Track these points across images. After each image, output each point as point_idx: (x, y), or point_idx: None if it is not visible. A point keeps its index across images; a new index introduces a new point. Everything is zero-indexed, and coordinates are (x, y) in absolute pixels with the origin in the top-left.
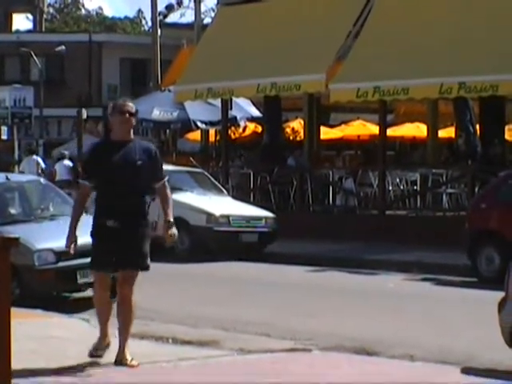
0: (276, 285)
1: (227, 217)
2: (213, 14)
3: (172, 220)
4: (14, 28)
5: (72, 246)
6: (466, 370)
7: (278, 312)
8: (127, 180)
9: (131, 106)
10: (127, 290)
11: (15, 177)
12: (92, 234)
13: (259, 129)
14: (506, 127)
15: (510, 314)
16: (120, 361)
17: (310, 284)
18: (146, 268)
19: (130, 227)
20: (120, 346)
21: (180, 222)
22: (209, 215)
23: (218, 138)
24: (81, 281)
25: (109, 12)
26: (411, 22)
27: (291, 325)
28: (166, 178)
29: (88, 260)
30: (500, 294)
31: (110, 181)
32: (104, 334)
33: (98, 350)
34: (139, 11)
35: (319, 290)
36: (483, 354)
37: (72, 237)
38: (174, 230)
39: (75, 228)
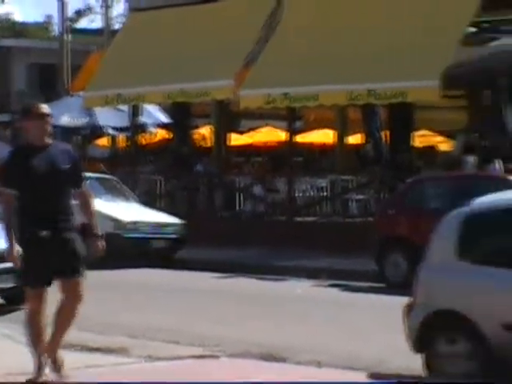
0: (185, 291)
1: (136, 223)
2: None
3: (99, 233)
4: None
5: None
6: (374, 375)
7: (186, 318)
8: (52, 185)
9: (46, 107)
10: (73, 298)
11: None
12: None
13: (169, 135)
14: (414, 134)
15: (416, 319)
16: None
17: (218, 290)
18: (82, 272)
19: (62, 233)
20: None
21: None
22: (117, 222)
23: (127, 144)
24: None
25: (19, 17)
26: (321, 29)
27: (200, 331)
28: (85, 183)
29: None
30: (407, 300)
31: (34, 187)
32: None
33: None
34: (49, 16)
35: (228, 296)
36: (391, 360)
37: (13, 247)
38: (103, 243)
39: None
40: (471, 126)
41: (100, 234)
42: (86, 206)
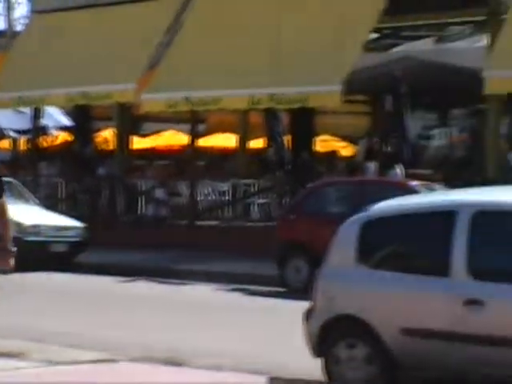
0: (86, 295)
1: (36, 227)
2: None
3: (12, 249)
4: None
5: None
6: (273, 380)
7: (86, 323)
8: None
9: None
10: None
11: None
12: None
13: (70, 138)
14: (316, 139)
15: (315, 324)
16: None
17: (119, 294)
18: None
19: None
20: None
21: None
22: (18, 225)
23: (28, 146)
24: None
25: None
26: (223, 34)
27: (100, 335)
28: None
29: None
30: (307, 304)
31: None
32: None
33: None
34: None
35: (129, 300)
36: (292, 364)
37: None
38: (13, 261)
39: None
40: (373, 131)
41: (13, 250)
42: (2, 217)
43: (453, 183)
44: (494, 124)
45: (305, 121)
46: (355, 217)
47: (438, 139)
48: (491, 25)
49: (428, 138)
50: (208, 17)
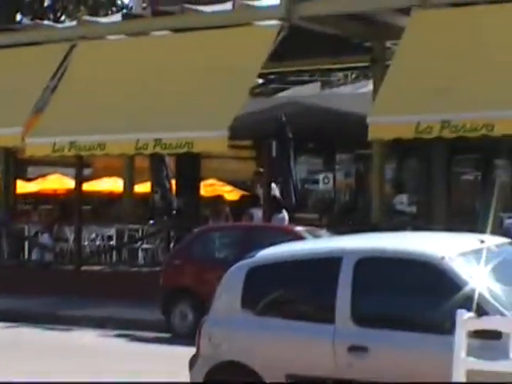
0: None
1: None
2: None
3: None
4: None
5: None
6: None
7: None
8: None
9: None
10: None
11: None
12: None
13: None
14: (202, 183)
15: (200, 370)
16: None
17: (1, 340)
18: None
19: None
20: None
21: None
22: None
23: None
24: None
25: None
26: (108, 79)
27: None
28: None
29: None
30: (193, 350)
31: None
32: None
33: None
34: None
35: (12, 346)
36: None
37: None
38: None
39: None
40: (259, 176)
41: None
42: None
43: (338, 229)
44: (379, 169)
45: (191, 165)
46: (241, 263)
47: (324, 184)
48: (375, 71)
49: (314, 182)
50: (93, 61)
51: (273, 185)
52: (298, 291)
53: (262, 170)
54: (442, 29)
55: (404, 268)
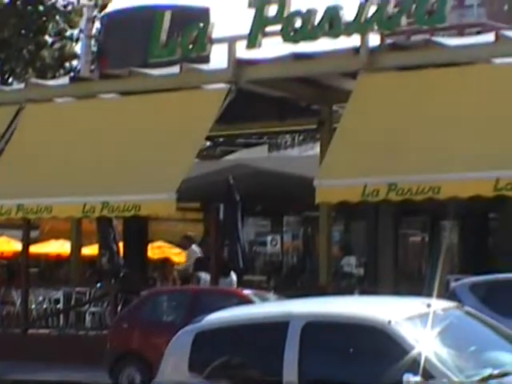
0: None
1: None
2: None
3: None
4: None
5: None
6: None
7: None
8: None
9: None
10: None
11: None
12: None
13: None
14: (150, 245)
15: None
16: None
17: None
18: None
19: None
20: None
21: None
22: None
23: None
24: None
25: None
26: (56, 141)
27: None
28: None
29: None
30: None
31: None
32: None
33: None
34: None
35: None
36: None
37: None
38: None
39: None
40: (206, 238)
41: None
42: None
43: (286, 291)
44: (326, 231)
45: (138, 227)
46: (188, 327)
47: (272, 246)
48: (322, 133)
49: (261, 244)
50: (40, 124)
51: (194, 246)
52: (246, 355)
53: (190, 233)
54: (388, 92)
55: (351, 332)
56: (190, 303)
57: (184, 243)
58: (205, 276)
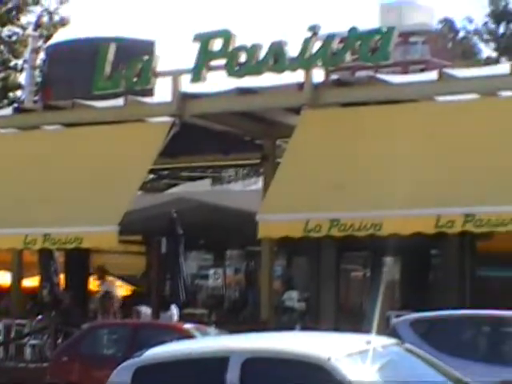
0: None
1: None
2: None
3: None
4: None
5: None
6: None
7: None
8: None
9: None
10: None
11: None
12: None
13: None
14: (91, 278)
15: None
16: None
17: None
18: None
19: None
20: None
21: None
22: None
23: None
24: None
25: None
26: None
27: None
28: None
29: None
30: None
31: None
32: None
33: None
34: None
35: None
36: None
37: None
38: None
39: None
40: (148, 272)
41: None
42: None
43: (227, 326)
44: (268, 265)
45: (80, 260)
46: (128, 362)
47: (214, 279)
48: (266, 168)
49: (204, 278)
50: None
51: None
52: None
53: (103, 266)
54: (331, 128)
55: (291, 368)
56: (131, 337)
57: (97, 275)
58: (145, 310)
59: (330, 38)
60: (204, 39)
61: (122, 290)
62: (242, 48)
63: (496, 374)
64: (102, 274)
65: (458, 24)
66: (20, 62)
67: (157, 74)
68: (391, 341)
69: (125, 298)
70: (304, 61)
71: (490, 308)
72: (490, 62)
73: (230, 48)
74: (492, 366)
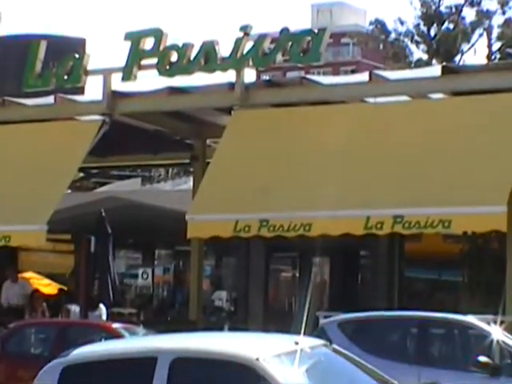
0: None
1: None
2: None
3: None
4: None
5: None
6: None
7: None
8: None
9: None
10: None
11: None
12: None
13: None
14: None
15: None
16: None
17: None
18: None
19: None
20: None
21: None
22: None
23: None
24: None
25: None
26: None
27: None
28: None
29: None
30: None
31: None
32: None
33: None
34: None
35: None
36: None
37: None
38: None
39: None
40: (77, 270)
41: None
42: None
43: (155, 326)
44: (197, 265)
45: (8, 258)
46: (55, 361)
47: (143, 279)
48: (196, 168)
49: (132, 277)
50: None
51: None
52: None
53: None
54: (262, 129)
55: (219, 369)
56: (58, 336)
57: (8, 273)
58: (74, 308)
59: (261, 38)
60: (135, 38)
61: (50, 288)
62: (173, 47)
63: (422, 374)
64: (15, 273)
65: (390, 25)
66: None
67: (87, 72)
68: (319, 342)
69: (53, 296)
70: (235, 61)
71: (417, 309)
72: (420, 64)
73: (162, 47)
74: (418, 366)
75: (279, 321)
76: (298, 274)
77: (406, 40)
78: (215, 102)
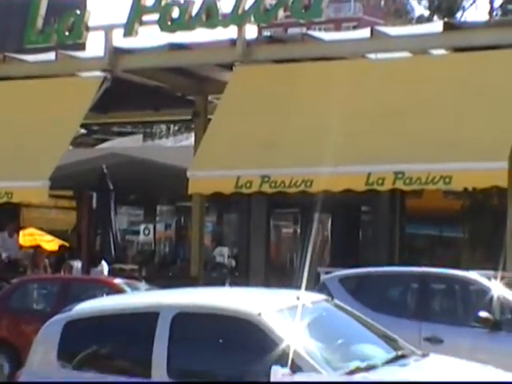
0: None
1: None
2: None
3: None
4: None
5: None
6: None
7: None
8: None
9: None
10: None
11: None
12: None
13: None
14: (21, 232)
15: None
16: None
17: None
18: None
19: None
20: None
21: None
22: None
23: None
24: None
25: None
26: None
27: None
28: None
29: None
30: None
31: None
32: None
33: None
34: None
35: None
36: None
37: None
38: None
39: None
40: (79, 226)
41: None
42: None
43: (157, 281)
44: (199, 221)
45: (10, 214)
46: (57, 316)
47: (144, 235)
48: (197, 124)
49: (134, 233)
50: None
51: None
52: (115, 346)
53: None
54: (263, 85)
55: (221, 324)
56: (61, 292)
57: (8, 228)
58: (77, 264)
59: None
60: None
61: (52, 244)
62: (174, 3)
63: (422, 329)
64: (13, 230)
65: None
66: None
67: (89, 28)
68: (320, 297)
69: (55, 252)
70: (236, 17)
71: (417, 265)
72: (422, 20)
73: (163, 3)
74: (418, 321)
75: (281, 276)
76: (299, 230)
77: None
78: (217, 58)
